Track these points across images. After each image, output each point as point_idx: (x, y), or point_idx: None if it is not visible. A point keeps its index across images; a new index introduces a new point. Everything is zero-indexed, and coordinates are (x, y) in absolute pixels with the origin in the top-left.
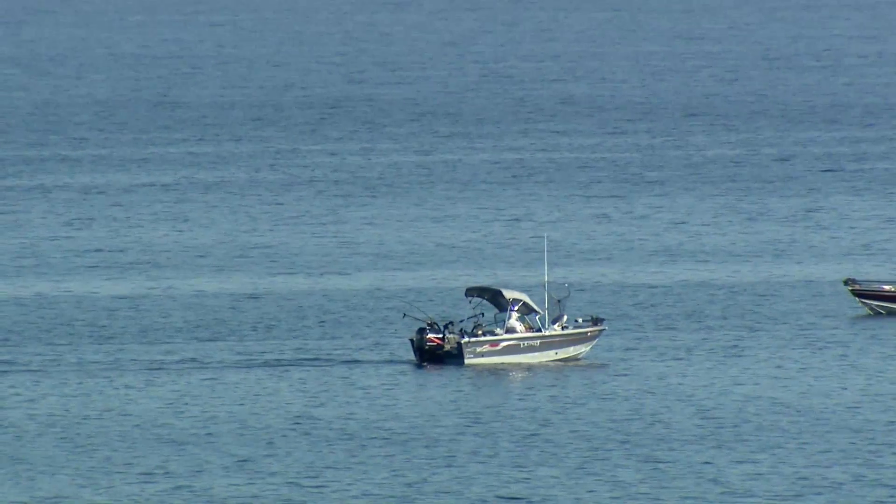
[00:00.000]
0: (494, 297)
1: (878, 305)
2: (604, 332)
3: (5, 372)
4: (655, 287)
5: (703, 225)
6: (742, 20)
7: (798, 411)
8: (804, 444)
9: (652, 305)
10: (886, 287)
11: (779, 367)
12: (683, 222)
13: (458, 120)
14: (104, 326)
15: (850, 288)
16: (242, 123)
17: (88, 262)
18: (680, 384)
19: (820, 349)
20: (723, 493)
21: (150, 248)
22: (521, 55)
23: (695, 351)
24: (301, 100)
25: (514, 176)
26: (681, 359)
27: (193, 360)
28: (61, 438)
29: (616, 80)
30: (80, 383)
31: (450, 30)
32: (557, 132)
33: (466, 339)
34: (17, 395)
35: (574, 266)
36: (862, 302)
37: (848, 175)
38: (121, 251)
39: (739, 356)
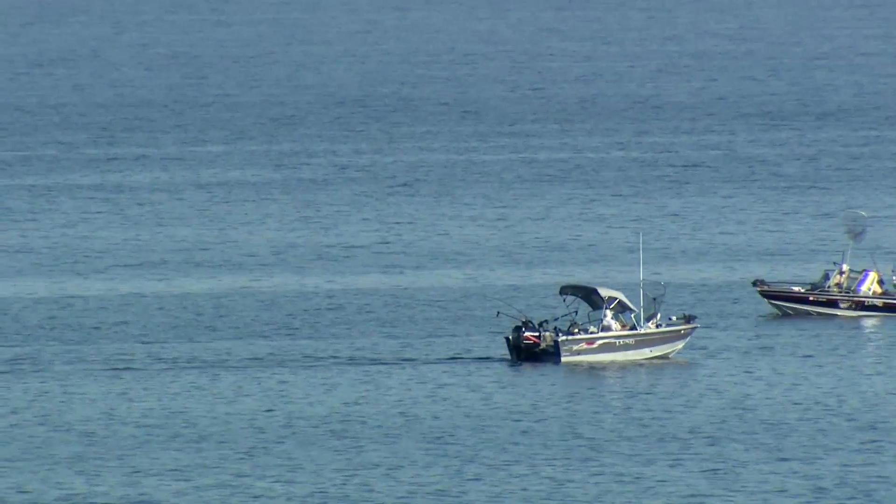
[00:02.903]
0: (589, 295)
1: (786, 306)
2: (696, 330)
3: (38, 370)
4: (734, 284)
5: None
6: (760, 18)
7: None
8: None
9: (734, 302)
10: (795, 288)
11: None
12: (777, 220)
13: (523, 118)
14: (178, 326)
15: (759, 289)
16: (273, 122)
17: (147, 261)
18: (769, 382)
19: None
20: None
21: (237, 246)
22: (543, 54)
23: (785, 349)
24: (331, 98)
25: (628, 176)
26: (773, 357)
27: (277, 357)
28: (137, 435)
29: (641, 80)
30: (148, 381)
31: (472, 28)
32: (620, 130)
33: (563, 337)
34: (63, 392)
35: (663, 263)
36: (771, 303)
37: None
38: (176, 251)
39: (844, 355)
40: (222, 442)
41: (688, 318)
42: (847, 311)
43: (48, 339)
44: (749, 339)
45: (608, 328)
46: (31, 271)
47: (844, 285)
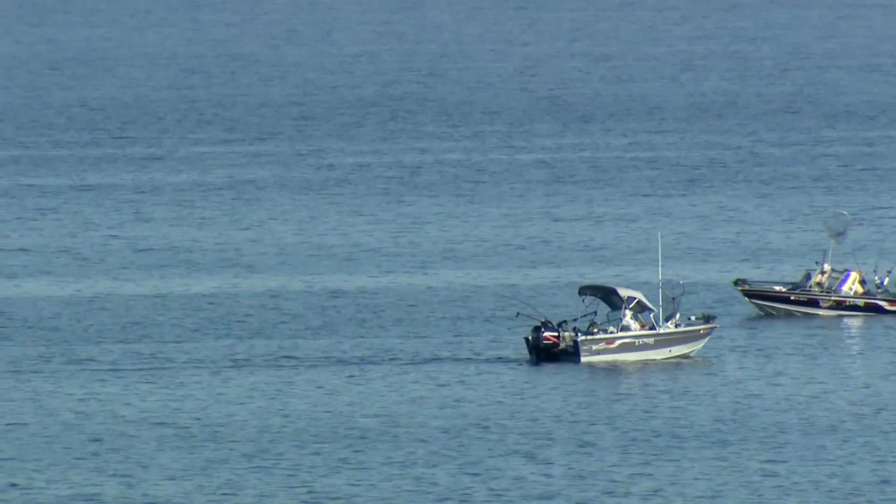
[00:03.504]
0: (608, 295)
1: (768, 306)
2: (715, 330)
3: (56, 370)
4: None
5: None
6: (768, 19)
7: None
8: None
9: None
10: (777, 287)
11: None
12: (788, 220)
13: (538, 118)
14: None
15: (741, 288)
16: (287, 123)
17: (155, 262)
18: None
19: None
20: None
21: (247, 246)
22: (556, 54)
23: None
24: (345, 99)
25: (643, 176)
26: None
27: (292, 357)
28: (170, 436)
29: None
30: (155, 381)
31: (479, 29)
32: (637, 131)
33: (582, 337)
34: (92, 393)
35: (678, 263)
36: (752, 302)
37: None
38: (187, 251)
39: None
40: (231, 441)
41: (707, 318)
42: (828, 310)
43: (54, 339)
44: (754, 340)
45: (627, 328)
46: (39, 271)
47: (826, 285)
